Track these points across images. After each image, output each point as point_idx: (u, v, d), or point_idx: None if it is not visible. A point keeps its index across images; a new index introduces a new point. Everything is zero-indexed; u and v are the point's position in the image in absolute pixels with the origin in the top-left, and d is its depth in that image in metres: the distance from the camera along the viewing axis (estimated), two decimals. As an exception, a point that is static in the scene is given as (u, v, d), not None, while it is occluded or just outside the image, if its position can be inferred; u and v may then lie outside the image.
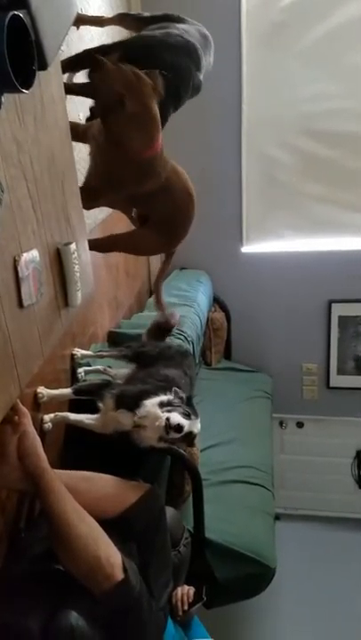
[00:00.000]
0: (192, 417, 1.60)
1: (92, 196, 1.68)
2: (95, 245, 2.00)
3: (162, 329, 2.21)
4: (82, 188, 1.62)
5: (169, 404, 1.62)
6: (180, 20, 1.84)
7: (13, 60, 0.77)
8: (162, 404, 1.61)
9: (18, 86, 0.80)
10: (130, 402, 1.65)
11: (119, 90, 1.48)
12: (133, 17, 1.97)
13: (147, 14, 1.87)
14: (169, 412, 1.58)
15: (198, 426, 1.63)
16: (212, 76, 3.17)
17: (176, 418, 1.55)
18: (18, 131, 0.96)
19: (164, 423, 1.55)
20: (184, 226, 2.05)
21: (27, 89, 0.84)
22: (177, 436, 1.55)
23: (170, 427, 1.54)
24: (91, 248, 1.96)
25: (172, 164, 1.86)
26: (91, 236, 2.29)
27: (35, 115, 1.04)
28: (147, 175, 1.73)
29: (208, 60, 1.87)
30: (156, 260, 3.62)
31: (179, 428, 1.55)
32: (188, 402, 1.67)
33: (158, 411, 1.59)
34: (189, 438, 1.61)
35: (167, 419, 1.55)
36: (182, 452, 1.90)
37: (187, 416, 1.59)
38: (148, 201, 1.88)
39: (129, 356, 2.07)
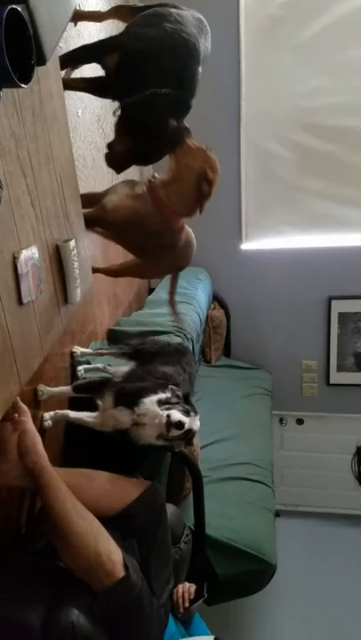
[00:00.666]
0: (191, 414, 1.60)
1: (98, 225, 1.80)
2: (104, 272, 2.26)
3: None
4: (94, 216, 1.73)
5: (167, 401, 1.61)
6: (174, 6, 1.81)
7: (12, 54, 0.77)
8: (160, 402, 1.61)
9: (16, 81, 0.80)
10: (128, 399, 1.65)
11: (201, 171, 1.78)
12: (130, 8, 1.95)
13: (142, 5, 1.85)
14: (168, 409, 1.57)
15: (198, 423, 1.63)
16: (211, 72, 3.17)
17: (177, 415, 1.55)
18: (16, 126, 0.96)
19: (164, 420, 1.54)
20: (186, 263, 2.19)
21: (25, 84, 0.83)
22: (177, 433, 1.55)
23: (171, 424, 1.54)
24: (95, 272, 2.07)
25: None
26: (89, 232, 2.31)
27: (33, 110, 1.03)
28: (160, 236, 1.86)
29: (206, 45, 1.87)
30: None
31: (180, 424, 1.54)
32: (186, 399, 1.67)
33: (157, 408, 1.59)
34: (188, 436, 1.61)
35: (168, 416, 1.54)
36: (183, 448, 1.89)
37: (186, 413, 1.58)
38: (152, 253, 2.01)
39: (128, 353, 2.06)
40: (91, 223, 1.70)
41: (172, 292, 2.39)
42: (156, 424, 1.56)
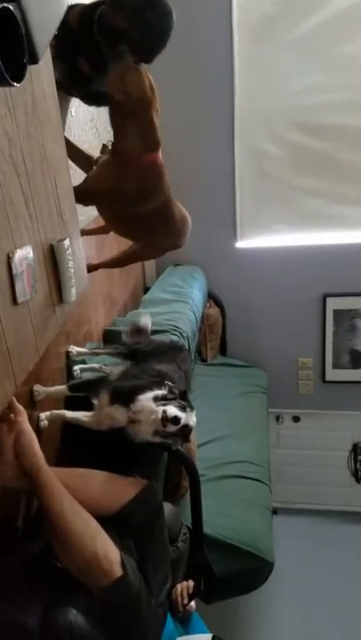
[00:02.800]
0: (187, 410, 1.60)
1: (87, 199, 1.83)
2: (109, 264, 2.30)
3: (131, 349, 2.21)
4: (80, 189, 1.74)
5: (163, 398, 1.61)
6: None
7: (3, 53, 0.77)
8: (156, 399, 1.61)
9: (9, 80, 0.80)
10: (124, 397, 1.65)
11: (134, 95, 1.63)
12: None
13: None
14: (164, 405, 1.58)
15: (194, 419, 1.63)
16: (205, 71, 3.18)
17: (173, 410, 1.55)
18: (9, 125, 0.95)
19: (160, 416, 1.54)
20: (182, 240, 2.19)
21: (18, 83, 0.83)
22: (174, 428, 1.55)
23: (167, 419, 1.54)
24: (98, 268, 2.22)
25: (171, 195, 1.98)
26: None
27: (26, 109, 1.03)
28: (145, 195, 1.85)
29: None
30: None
31: (176, 419, 1.54)
32: (183, 396, 1.67)
33: (153, 405, 1.59)
34: (185, 432, 1.61)
35: (164, 411, 1.54)
36: (179, 447, 1.90)
37: (182, 409, 1.58)
38: (145, 228, 2.01)
39: (124, 353, 2.06)
40: (79, 198, 1.73)
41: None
42: (152, 420, 1.56)
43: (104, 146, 2.30)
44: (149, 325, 2.30)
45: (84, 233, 2.08)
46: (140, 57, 1.65)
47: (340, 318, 3.63)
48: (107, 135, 2.39)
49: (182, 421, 1.56)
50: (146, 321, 2.29)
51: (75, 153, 1.96)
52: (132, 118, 1.69)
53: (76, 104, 2.24)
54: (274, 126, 3.29)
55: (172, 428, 1.55)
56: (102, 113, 2.38)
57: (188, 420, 1.59)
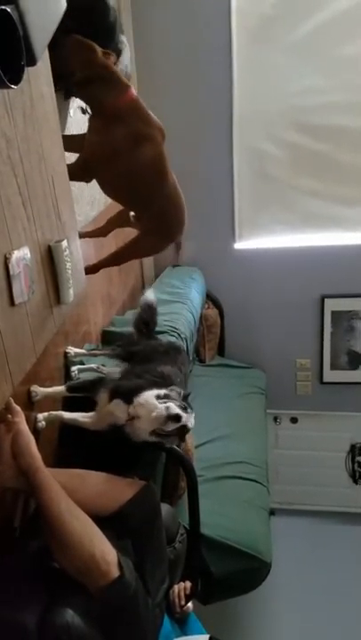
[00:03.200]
0: (188, 410, 1.60)
1: (85, 172, 1.87)
2: (107, 263, 2.27)
3: (145, 321, 2.22)
4: (76, 164, 1.80)
5: (166, 397, 1.61)
6: None
7: (1, 55, 0.77)
8: (158, 397, 1.61)
9: (6, 82, 0.80)
10: (126, 393, 1.65)
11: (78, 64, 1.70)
12: None
13: None
14: (166, 402, 1.58)
15: (192, 420, 1.63)
16: (204, 72, 3.19)
17: (175, 408, 1.55)
18: (7, 127, 0.96)
19: (163, 412, 1.54)
20: (181, 220, 2.21)
21: (15, 85, 0.83)
22: (174, 426, 1.55)
23: (169, 416, 1.54)
24: (99, 268, 2.22)
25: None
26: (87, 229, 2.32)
27: (24, 111, 1.03)
28: (135, 131, 1.85)
29: None
30: (149, 258, 3.62)
31: (177, 417, 1.54)
32: (185, 399, 1.67)
33: (155, 401, 1.59)
34: (182, 432, 1.61)
35: (167, 407, 1.55)
36: (177, 448, 1.90)
37: (183, 409, 1.59)
38: (147, 201, 2.03)
39: (122, 355, 2.06)
40: (78, 174, 1.80)
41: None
42: (153, 417, 1.56)
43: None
44: (155, 300, 2.28)
45: (82, 236, 2.07)
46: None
47: (338, 319, 3.64)
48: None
49: (182, 420, 1.56)
50: (152, 297, 2.28)
51: (69, 142, 1.96)
52: (94, 80, 1.76)
53: (74, 105, 2.24)
54: (273, 127, 3.30)
55: (171, 427, 1.55)
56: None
57: (188, 421, 1.59)
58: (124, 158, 1.87)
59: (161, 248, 2.34)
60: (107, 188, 2.05)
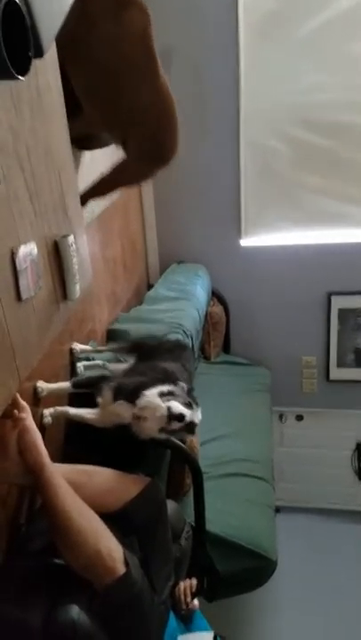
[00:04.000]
0: (193, 406, 1.60)
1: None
2: (93, 193, 1.91)
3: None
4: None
5: (170, 393, 1.61)
6: None
7: (9, 46, 0.76)
8: (162, 394, 1.60)
9: (14, 73, 0.79)
10: (128, 394, 1.64)
11: None
12: None
13: None
14: (169, 400, 1.57)
15: (199, 415, 1.62)
16: (211, 68, 3.17)
17: (177, 407, 1.54)
18: (14, 120, 0.95)
19: (165, 413, 1.54)
20: (174, 132, 1.85)
21: (22, 76, 0.82)
22: (178, 425, 1.54)
23: (172, 416, 1.53)
24: (84, 201, 1.82)
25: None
26: (88, 228, 2.31)
27: (31, 103, 1.02)
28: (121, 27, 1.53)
29: None
30: (154, 254, 3.61)
31: (180, 417, 1.54)
32: (189, 393, 1.66)
33: (159, 400, 1.58)
34: (190, 427, 1.60)
35: (168, 408, 1.54)
36: (182, 445, 1.89)
37: (188, 405, 1.58)
38: (134, 100, 1.69)
39: (127, 350, 2.06)
40: None
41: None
42: (158, 417, 1.56)
43: None
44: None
45: (83, 197, 1.75)
46: None
47: (344, 317, 3.62)
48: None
49: (187, 418, 1.55)
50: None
51: None
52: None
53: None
54: (279, 124, 3.28)
55: (176, 426, 1.55)
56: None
57: (194, 417, 1.58)
58: (105, 28, 1.50)
59: (151, 172, 1.99)
60: (83, 88, 1.62)
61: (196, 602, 1.76)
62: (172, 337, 2.31)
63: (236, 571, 2.14)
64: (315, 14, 3.03)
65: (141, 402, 1.59)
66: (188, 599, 1.71)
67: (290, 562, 2.70)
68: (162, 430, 1.57)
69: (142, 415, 1.58)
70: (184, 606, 1.69)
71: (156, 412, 1.56)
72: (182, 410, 1.55)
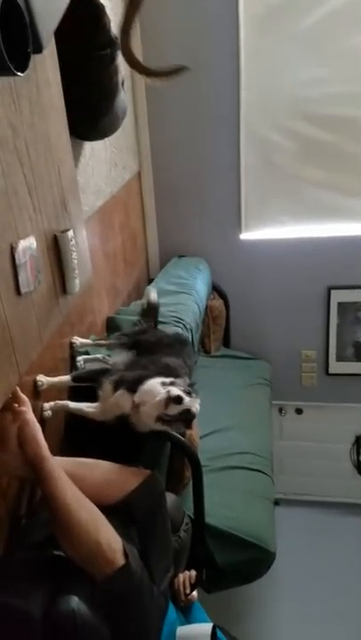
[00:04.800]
0: (192, 395, 1.61)
1: None
2: None
3: (150, 308, 2.20)
4: None
5: (171, 384, 1.62)
6: None
7: (7, 42, 0.76)
8: (164, 384, 1.62)
9: (13, 69, 0.79)
10: (130, 384, 1.65)
11: None
12: None
13: None
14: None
15: (197, 405, 1.63)
16: (211, 62, 3.16)
17: (176, 390, 1.56)
18: (13, 115, 0.95)
19: (164, 396, 1.55)
20: None
21: (21, 72, 0.83)
22: (176, 410, 1.55)
23: (170, 398, 1.54)
24: None
25: None
26: (89, 222, 2.31)
27: (30, 99, 1.02)
28: None
29: None
30: (154, 248, 3.61)
31: (178, 398, 1.55)
32: (191, 387, 1.67)
33: (160, 387, 1.59)
34: (188, 417, 1.61)
35: (167, 391, 1.55)
36: (182, 438, 1.91)
37: (187, 394, 1.59)
38: None
39: (128, 344, 2.07)
40: None
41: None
42: (156, 402, 1.57)
43: None
44: (157, 299, 2.27)
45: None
46: None
47: (344, 311, 3.62)
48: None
49: (185, 402, 1.56)
50: (154, 296, 2.27)
51: None
52: None
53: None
54: (280, 117, 3.27)
55: (174, 410, 1.55)
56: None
57: (192, 406, 1.59)
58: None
59: None
60: None
61: (195, 593, 1.78)
62: (173, 331, 2.31)
63: (235, 562, 2.16)
64: (316, 7, 3.01)
65: (143, 387, 1.61)
66: (188, 591, 1.72)
67: (289, 554, 2.72)
68: (159, 419, 1.58)
69: (141, 401, 1.59)
70: (183, 598, 1.70)
71: (155, 397, 1.57)
72: (180, 392, 1.56)
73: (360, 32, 3.02)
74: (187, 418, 1.62)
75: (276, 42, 3.11)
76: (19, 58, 0.82)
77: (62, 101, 1.23)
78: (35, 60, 0.95)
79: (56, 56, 1.17)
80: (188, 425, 1.69)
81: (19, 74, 0.82)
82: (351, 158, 3.27)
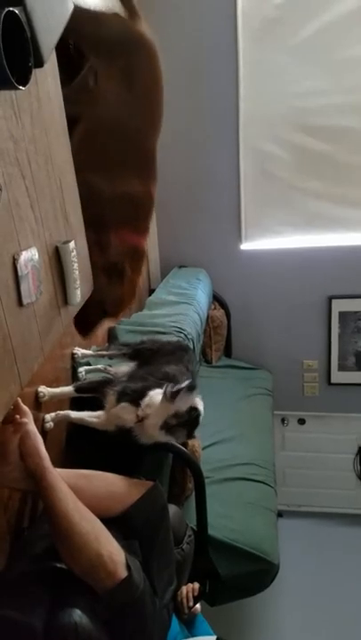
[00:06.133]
0: (195, 393, 1.61)
1: None
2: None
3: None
4: None
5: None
6: None
7: (9, 56, 0.77)
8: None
9: (14, 83, 0.80)
10: (133, 396, 1.65)
11: None
12: None
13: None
14: None
15: (201, 405, 1.62)
16: (210, 74, 3.19)
17: (174, 386, 1.56)
18: (14, 128, 0.96)
19: (167, 394, 1.55)
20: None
21: (23, 86, 0.84)
22: (178, 404, 1.55)
23: (171, 393, 1.54)
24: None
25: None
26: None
27: (31, 112, 1.03)
28: None
29: None
30: (155, 258, 3.63)
31: (177, 393, 1.55)
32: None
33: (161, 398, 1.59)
34: (192, 416, 1.60)
35: (166, 386, 1.55)
36: (184, 449, 1.90)
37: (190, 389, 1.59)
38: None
39: (129, 354, 2.07)
40: None
41: None
42: (160, 409, 1.56)
43: None
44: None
45: None
46: None
47: (345, 320, 3.62)
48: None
49: (182, 391, 1.55)
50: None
51: None
52: None
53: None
54: (278, 129, 3.30)
55: (175, 405, 1.54)
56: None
57: (197, 404, 1.59)
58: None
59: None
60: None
61: (198, 606, 1.77)
62: (173, 339, 2.31)
63: (239, 575, 2.14)
64: (312, 19, 3.05)
65: (145, 401, 1.60)
66: (191, 603, 1.71)
67: (292, 566, 2.70)
68: (163, 427, 1.57)
69: (145, 414, 1.59)
70: (186, 610, 1.69)
71: (159, 406, 1.57)
72: (180, 386, 1.56)
73: (357, 43, 3.06)
74: (192, 417, 1.60)
75: (273, 54, 3.15)
76: (20, 72, 0.83)
77: (63, 115, 1.24)
78: (36, 73, 0.96)
79: (57, 70, 1.18)
80: (194, 427, 1.67)
81: (20, 87, 0.83)
82: (349, 169, 3.29)
